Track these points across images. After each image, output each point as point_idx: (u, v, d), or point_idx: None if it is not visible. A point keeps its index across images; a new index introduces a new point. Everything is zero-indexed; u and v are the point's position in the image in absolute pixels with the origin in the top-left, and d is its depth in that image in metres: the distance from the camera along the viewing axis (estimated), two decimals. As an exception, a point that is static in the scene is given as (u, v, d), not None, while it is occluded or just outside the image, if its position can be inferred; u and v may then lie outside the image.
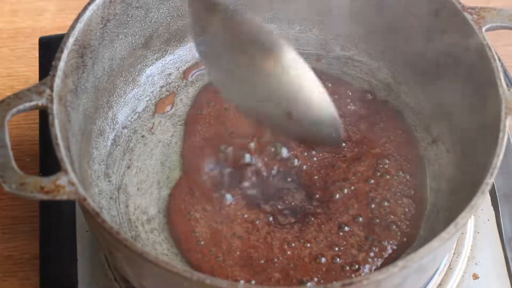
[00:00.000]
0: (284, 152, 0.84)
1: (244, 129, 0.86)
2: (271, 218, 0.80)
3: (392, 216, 0.81)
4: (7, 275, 0.86)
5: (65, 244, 0.82)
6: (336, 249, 0.79)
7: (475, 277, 0.81)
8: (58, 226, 0.84)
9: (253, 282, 0.76)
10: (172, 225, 0.81)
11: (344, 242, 0.79)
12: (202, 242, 0.79)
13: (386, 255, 0.78)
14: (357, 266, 0.78)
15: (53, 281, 0.81)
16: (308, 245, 0.79)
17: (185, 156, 0.85)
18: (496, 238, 0.83)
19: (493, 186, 0.85)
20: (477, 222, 0.84)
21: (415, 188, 0.82)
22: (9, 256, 0.88)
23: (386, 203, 0.81)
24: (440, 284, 0.80)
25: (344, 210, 0.81)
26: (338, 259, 0.78)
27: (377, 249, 0.79)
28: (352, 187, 0.82)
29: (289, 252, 0.78)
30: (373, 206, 0.81)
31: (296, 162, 0.84)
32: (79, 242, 0.82)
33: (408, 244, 0.79)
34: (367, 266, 0.78)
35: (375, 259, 0.78)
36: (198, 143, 0.85)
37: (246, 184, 0.82)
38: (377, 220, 0.80)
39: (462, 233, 0.83)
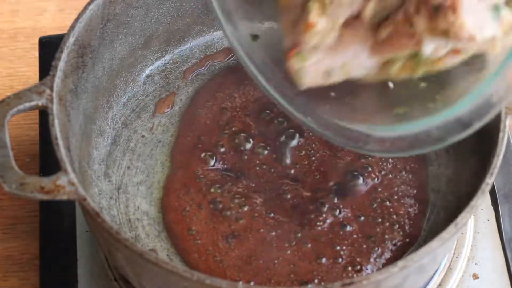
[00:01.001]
0: (284, 151, 0.84)
1: (241, 128, 0.86)
2: (272, 215, 0.80)
3: (394, 216, 0.80)
4: (7, 275, 0.86)
5: (65, 244, 0.82)
6: (338, 248, 0.78)
7: (475, 277, 0.81)
8: (58, 226, 0.84)
9: (252, 283, 0.76)
10: (168, 223, 0.81)
11: (346, 242, 0.79)
12: (199, 241, 0.79)
13: (388, 256, 0.78)
14: (359, 267, 0.78)
15: (53, 281, 0.81)
16: (309, 245, 0.79)
17: (176, 153, 0.85)
18: (496, 238, 0.83)
19: (493, 186, 0.85)
20: (477, 222, 0.84)
21: (417, 188, 0.82)
22: (9, 256, 0.88)
23: (388, 203, 0.81)
24: (440, 284, 0.80)
25: (346, 209, 0.81)
26: (340, 259, 0.78)
27: (379, 250, 0.78)
28: (354, 187, 0.82)
29: (289, 252, 0.78)
30: (375, 205, 0.81)
31: (296, 161, 0.83)
32: (79, 242, 0.82)
33: (411, 244, 0.79)
34: (369, 266, 0.78)
35: (378, 259, 0.78)
36: (192, 141, 0.85)
37: (243, 182, 0.82)
38: (379, 220, 0.80)
39: (462, 233, 0.83)
